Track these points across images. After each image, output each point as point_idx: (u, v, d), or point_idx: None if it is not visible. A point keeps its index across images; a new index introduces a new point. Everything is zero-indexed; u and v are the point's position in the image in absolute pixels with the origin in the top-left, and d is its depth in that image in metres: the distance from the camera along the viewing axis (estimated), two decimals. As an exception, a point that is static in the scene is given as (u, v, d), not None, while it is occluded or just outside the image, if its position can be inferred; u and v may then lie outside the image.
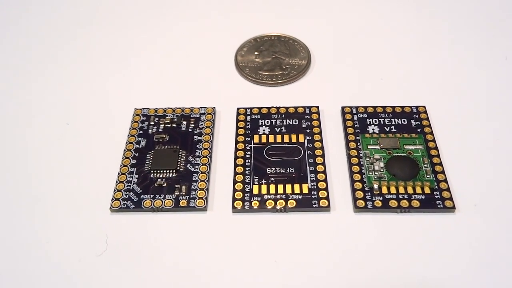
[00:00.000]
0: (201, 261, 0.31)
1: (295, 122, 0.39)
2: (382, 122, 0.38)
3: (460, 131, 0.38)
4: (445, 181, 0.34)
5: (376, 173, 0.35)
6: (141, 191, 0.35)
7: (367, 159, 0.35)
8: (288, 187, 0.34)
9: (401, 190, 0.34)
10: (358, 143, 0.37)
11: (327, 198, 0.34)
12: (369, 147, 0.36)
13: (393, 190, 0.34)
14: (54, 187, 0.35)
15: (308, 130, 0.38)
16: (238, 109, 0.40)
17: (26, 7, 0.52)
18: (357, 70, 0.43)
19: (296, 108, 0.40)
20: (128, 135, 0.38)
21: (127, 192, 0.34)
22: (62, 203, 0.34)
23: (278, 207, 0.33)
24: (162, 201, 0.34)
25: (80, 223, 0.33)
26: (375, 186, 0.34)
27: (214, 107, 0.40)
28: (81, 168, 0.37)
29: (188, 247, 0.32)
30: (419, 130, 0.38)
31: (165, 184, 0.35)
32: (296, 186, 0.34)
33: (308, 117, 0.39)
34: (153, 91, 0.42)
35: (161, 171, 0.35)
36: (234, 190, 0.34)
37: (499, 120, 0.39)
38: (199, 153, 0.37)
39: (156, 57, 0.46)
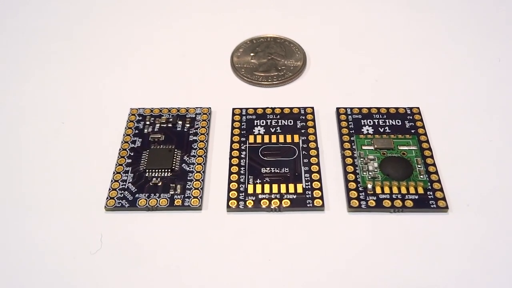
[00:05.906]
0: (195, 260, 0.31)
1: (290, 122, 0.39)
2: (376, 123, 0.39)
3: (453, 132, 0.38)
4: (438, 181, 0.34)
5: (370, 173, 0.35)
6: (136, 190, 0.35)
7: (361, 159, 0.36)
8: (283, 186, 0.35)
9: (395, 190, 0.34)
10: (353, 144, 0.37)
11: (321, 197, 0.34)
12: (363, 147, 0.36)
13: (386, 190, 0.34)
14: (49, 185, 0.35)
15: (303, 131, 0.38)
16: (233, 109, 0.40)
17: (21, 5, 0.52)
18: (352, 72, 0.44)
19: (291, 108, 0.40)
20: (124, 135, 0.38)
21: (122, 191, 0.35)
22: (57, 201, 0.34)
23: (272, 206, 0.34)
24: (157, 200, 0.34)
25: (75, 222, 0.33)
26: (369, 186, 0.34)
27: (210, 108, 0.40)
28: (76, 167, 0.37)
29: (183, 246, 0.32)
30: (413, 131, 0.38)
31: (160, 184, 0.35)
32: (291, 186, 0.35)
33: (303, 117, 0.39)
34: (149, 91, 0.42)
35: (156, 171, 0.36)
36: (229, 190, 0.35)
37: (492, 121, 0.39)
38: (194, 152, 0.37)
39: (152, 57, 0.46)
